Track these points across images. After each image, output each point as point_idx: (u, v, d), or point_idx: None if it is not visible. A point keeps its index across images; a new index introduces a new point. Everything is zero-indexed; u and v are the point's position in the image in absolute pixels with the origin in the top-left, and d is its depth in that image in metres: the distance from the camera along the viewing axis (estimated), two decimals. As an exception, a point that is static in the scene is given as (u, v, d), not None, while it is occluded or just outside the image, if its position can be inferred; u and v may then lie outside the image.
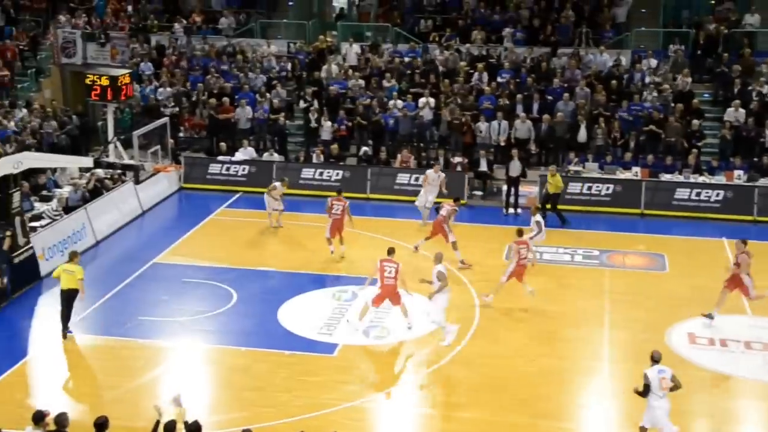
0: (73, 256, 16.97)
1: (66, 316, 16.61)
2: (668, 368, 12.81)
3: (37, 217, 21.03)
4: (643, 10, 30.97)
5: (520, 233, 18.66)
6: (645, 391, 12.70)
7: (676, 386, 12.74)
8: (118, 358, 16.09)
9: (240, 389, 15.00)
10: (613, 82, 27.02)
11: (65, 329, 16.64)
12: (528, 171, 24.46)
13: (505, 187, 24.37)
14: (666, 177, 24.58)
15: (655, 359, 12.82)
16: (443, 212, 20.29)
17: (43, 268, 19.39)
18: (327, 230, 20.42)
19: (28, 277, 18.87)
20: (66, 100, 30.20)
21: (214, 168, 26.13)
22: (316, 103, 27.67)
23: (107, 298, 18.49)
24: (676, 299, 18.63)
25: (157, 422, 11.18)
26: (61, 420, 11.16)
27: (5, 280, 18.06)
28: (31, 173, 21.99)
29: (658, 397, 12.71)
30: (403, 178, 25.23)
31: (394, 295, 16.80)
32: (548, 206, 23.01)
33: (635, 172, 24.74)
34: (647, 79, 27.19)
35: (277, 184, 22.72)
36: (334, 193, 21.27)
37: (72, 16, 31.86)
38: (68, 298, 16.51)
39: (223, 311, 17.95)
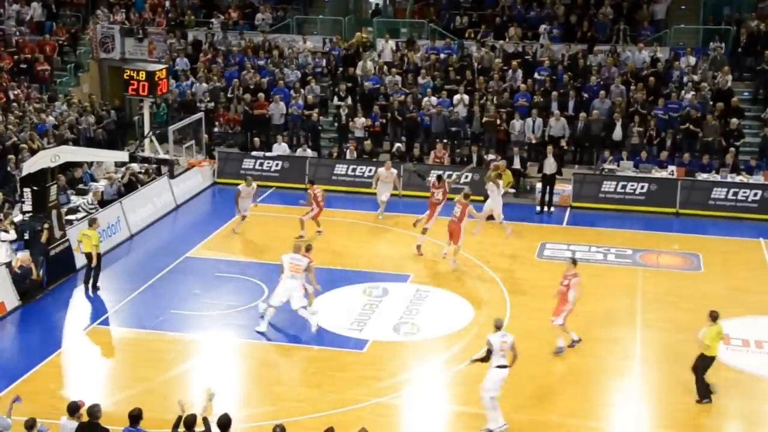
0: (91, 222, 18.56)
1: (88, 276, 18.42)
2: (510, 335, 13.67)
3: (73, 211, 21.29)
4: (683, 7, 30.59)
5: (574, 263, 16.72)
6: (487, 357, 13.51)
7: (515, 356, 13.59)
8: (151, 350, 16.25)
9: (270, 384, 15.09)
10: (651, 79, 26.71)
11: (92, 288, 18.46)
12: (563, 169, 24.26)
13: (539, 185, 24.20)
14: (702, 176, 24.26)
15: (497, 326, 13.68)
16: (456, 212, 19.80)
17: (79, 261, 19.63)
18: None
19: (63, 269, 19.12)
20: (104, 94, 30.59)
21: (247, 163, 26.27)
22: (349, 100, 27.71)
23: (140, 291, 18.68)
24: (711, 300, 18.27)
25: (179, 417, 11.28)
26: (94, 411, 11.29)
27: (41, 272, 18.31)
28: (67, 167, 22.27)
29: (499, 357, 13.56)
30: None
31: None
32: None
33: (671, 171, 24.46)
34: (685, 77, 26.85)
35: (241, 187, 21.82)
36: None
37: (111, 11, 32.21)
38: (89, 260, 18.34)
39: (254, 306, 18.04)
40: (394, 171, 23.27)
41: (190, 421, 11.11)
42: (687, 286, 19.17)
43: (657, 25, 29.59)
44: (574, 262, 16.71)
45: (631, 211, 23.92)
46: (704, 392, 14.30)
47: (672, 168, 24.54)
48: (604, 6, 29.55)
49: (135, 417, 11.26)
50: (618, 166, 24.81)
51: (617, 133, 25.65)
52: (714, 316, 14.20)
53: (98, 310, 18.02)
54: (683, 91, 26.30)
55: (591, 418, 14.18)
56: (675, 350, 16.27)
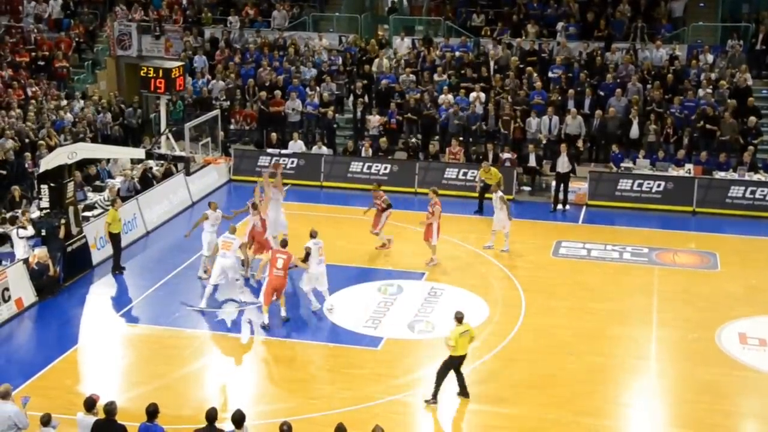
0: (113, 202, 19.60)
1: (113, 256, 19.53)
2: (321, 241, 16.98)
3: (90, 207, 21.42)
4: (701, 5, 30.36)
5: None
6: (306, 258, 16.83)
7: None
8: (166, 347, 16.33)
9: (285, 381, 15.13)
10: (669, 77, 26.56)
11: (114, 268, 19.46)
12: (577, 167, 24.18)
13: (554, 184, 24.13)
14: (720, 175, 24.12)
15: (311, 235, 17.17)
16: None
17: (95, 257, 19.77)
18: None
19: (80, 265, 19.23)
20: (121, 91, 30.73)
21: (263, 161, 26.33)
22: (365, 97, 27.71)
23: (156, 288, 18.76)
24: (728, 299, 18.30)
25: None
26: (111, 409, 11.35)
27: (58, 268, 18.43)
28: (84, 164, 22.40)
29: (317, 264, 16.85)
30: (451, 172, 25.14)
31: (280, 290, 16.95)
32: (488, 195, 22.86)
33: (688, 170, 24.33)
34: (703, 75, 26.69)
35: (207, 212, 19.51)
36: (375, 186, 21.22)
37: (129, 9, 32.36)
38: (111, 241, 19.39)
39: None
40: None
41: (211, 415, 11.20)
42: (703, 285, 19.08)
43: (675, 23, 29.41)
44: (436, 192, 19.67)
45: (647, 210, 23.82)
46: (436, 393, 14.14)
47: (689, 166, 24.41)
48: (622, 4, 29.39)
49: (152, 413, 11.33)
50: (634, 164, 24.71)
51: (634, 131, 25.54)
52: (458, 317, 14.03)
53: (114, 307, 18.13)
54: (700, 89, 26.14)
55: (605, 417, 14.15)
56: (690, 349, 16.22)
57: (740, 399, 14.71)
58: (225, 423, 11.41)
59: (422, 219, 19.93)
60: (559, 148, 23.85)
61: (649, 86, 26.42)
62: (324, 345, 16.36)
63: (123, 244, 20.66)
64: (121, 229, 19.45)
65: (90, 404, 11.50)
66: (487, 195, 22.78)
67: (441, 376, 14.13)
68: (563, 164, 23.47)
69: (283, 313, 17.18)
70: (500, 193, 20.46)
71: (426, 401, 14.14)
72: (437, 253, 19.86)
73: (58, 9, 33.15)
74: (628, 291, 18.78)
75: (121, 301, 18.42)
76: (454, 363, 14.08)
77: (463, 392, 14.32)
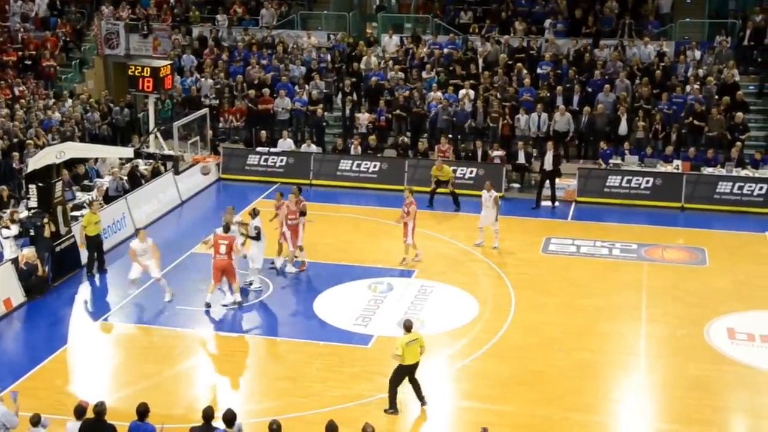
0: (90, 204, 19.89)
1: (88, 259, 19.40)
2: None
3: (79, 207, 21.33)
4: (688, 1, 30.48)
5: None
6: (257, 236, 18.14)
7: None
8: (156, 346, 16.32)
9: (274, 379, 15.12)
10: (657, 73, 26.62)
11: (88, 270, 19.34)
12: (566, 164, 24.23)
13: (539, 180, 24.16)
14: (708, 170, 24.21)
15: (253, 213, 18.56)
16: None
17: (84, 257, 19.68)
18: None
19: (69, 265, 19.16)
20: (109, 91, 30.59)
21: (252, 159, 26.30)
22: (354, 95, 27.71)
23: (146, 287, 18.69)
24: (716, 294, 18.37)
25: None
26: (100, 410, 11.34)
27: (47, 268, 18.36)
28: (73, 163, 22.31)
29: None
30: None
31: (228, 271, 17.38)
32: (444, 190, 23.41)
33: (676, 166, 24.40)
34: (690, 72, 26.78)
35: (132, 243, 18.52)
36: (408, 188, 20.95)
37: (116, 7, 32.23)
38: (97, 244, 19.43)
39: (259, 301, 18.09)
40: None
41: (207, 414, 11.22)
42: (692, 281, 19.16)
43: (662, 20, 29.50)
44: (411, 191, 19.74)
45: (636, 206, 23.89)
46: (392, 402, 13.94)
47: (677, 162, 24.48)
48: (610, 0, 29.46)
49: (142, 412, 11.33)
50: (623, 160, 24.78)
51: (622, 128, 25.61)
52: (407, 326, 13.84)
53: (104, 306, 18.10)
54: (688, 86, 26.23)
55: (595, 413, 14.19)
56: (680, 345, 16.29)
57: (729, 394, 14.77)
58: (217, 422, 11.40)
59: (396, 217, 19.85)
60: (546, 146, 23.90)
61: (637, 83, 26.50)
62: (314, 343, 16.34)
63: (111, 244, 20.63)
64: (99, 231, 19.27)
65: (80, 412, 11.43)
66: (440, 190, 23.48)
67: (393, 385, 13.89)
68: (548, 162, 23.50)
69: (239, 298, 17.62)
70: (494, 193, 20.43)
71: (385, 411, 13.89)
72: (410, 253, 19.75)
73: (45, 8, 32.98)
74: (617, 287, 18.84)
75: (110, 300, 18.37)
76: (404, 372, 13.80)
77: (421, 400, 14.02)
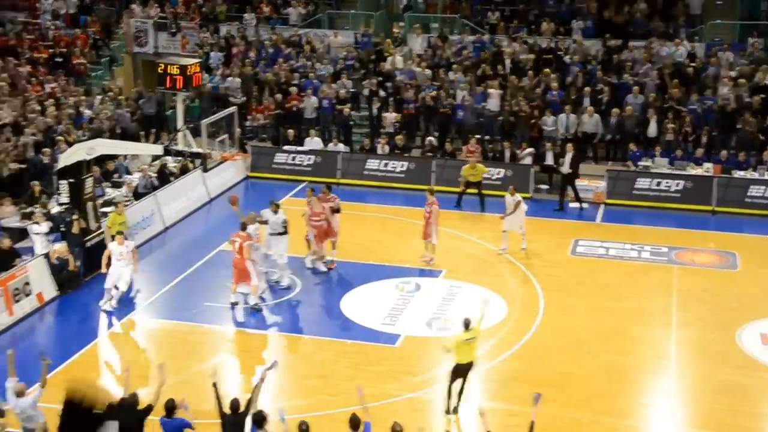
0: (116, 205, 19.73)
1: None
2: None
3: (109, 203, 21.48)
4: (719, 2, 30.25)
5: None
6: (285, 230, 18.19)
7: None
8: (185, 342, 16.39)
9: (303, 377, 15.15)
10: (688, 74, 26.43)
11: None
12: (595, 165, 24.08)
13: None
14: (739, 173, 23.99)
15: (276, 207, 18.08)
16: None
17: (115, 252, 19.83)
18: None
19: (100, 260, 19.20)
20: (135, 88, 30.78)
21: (280, 157, 26.36)
22: (381, 93, 27.72)
23: (175, 284, 18.81)
24: (748, 299, 18.21)
25: (215, 384, 11.56)
26: (133, 400, 11.46)
27: (78, 263, 18.50)
28: (103, 159, 22.47)
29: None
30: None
31: (240, 270, 17.10)
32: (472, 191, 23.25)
33: (707, 168, 24.21)
34: (722, 73, 26.55)
35: (111, 244, 17.86)
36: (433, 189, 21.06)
37: (145, 5, 32.43)
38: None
39: (287, 299, 18.13)
40: None
41: (235, 405, 11.27)
42: (723, 285, 19.00)
43: (693, 21, 29.29)
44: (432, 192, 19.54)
45: (666, 209, 23.70)
46: (449, 404, 13.71)
47: (708, 165, 24.29)
48: (639, 1, 29.29)
49: (170, 408, 11.40)
50: (652, 162, 24.60)
51: (652, 130, 25.44)
52: (465, 323, 13.47)
53: (134, 302, 18.19)
54: (720, 87, 26.01)
55: (625, 417, 14.10)
56: (710, 349, 16.15)
57: (761, 400, 14.64)
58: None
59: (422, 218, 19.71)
60: (565, 148, 23.75)
61: (667, 84, 26.29)
62: (342, 342, 16.37)
63: (141, 240, 20.73)
64: (125, 230, 18.65)
65: (169, 409, 11.56)
66: (469, 191, 23.36)
67: (448, 384, 13.75)
68: (566, 164, 23.34)
69: (251, 301, 17.46)
70: (518, 196, 20.28)
71: (445, 412, 13.75)
72: (429, 249, 19.68)
73: (74, 5, 33.22)
74: (646, 290, 18.71)
75: (140, 296, 18.47)
76: (456, 371, 13.63)
77: (455, 407, 13.77)
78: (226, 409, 11.46)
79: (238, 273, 17.20)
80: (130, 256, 17.55)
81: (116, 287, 17.35)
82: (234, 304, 17.45)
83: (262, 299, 17.73)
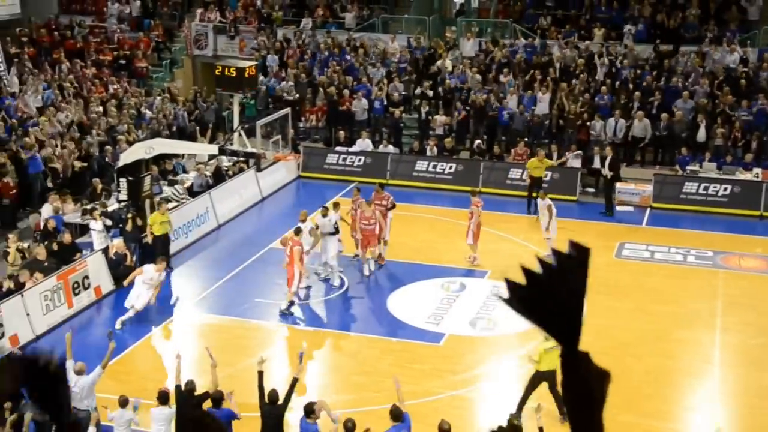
0: (159, 204, 19.64)
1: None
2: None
3: (165, 200, 22.10)
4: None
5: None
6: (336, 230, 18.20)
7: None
8: (234, 336, 16.86)
9: (348, 373, 15.51)
10: (742, 80, 26.24)
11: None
12: (641, 169, 24.05)
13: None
14: (789, 179, 23.80)
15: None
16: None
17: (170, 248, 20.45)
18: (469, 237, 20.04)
19: (155, 256, 19.88)
20: (195, 88, 31.55)
21: (331, 158, 26.82)
22: (431, 94, 28.04)
23: (226, 279, 19.36)
24: (794, 305, 18.13)
25: (260, 372, 11.94)
26: (191, 386, 12.07)
27: (134, 258, 19.16)
28: (162, 158, 23.18)
29: None
30: (515, 172, 25.29)
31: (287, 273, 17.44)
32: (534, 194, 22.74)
33: (756, 174, 24.04)
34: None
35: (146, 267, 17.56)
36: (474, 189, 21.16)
37: (206, 10, 33.21)
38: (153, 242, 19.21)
39: (334, 297, 18.53)
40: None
41: (274, 396, 11.73)
42: (769, 290, 18.93)
43: (747, 26, 29.02)
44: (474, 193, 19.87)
45: (713, 213, 23.59)
46: (520, 408, 13.46)
47: (757, 170, 24.11)
48: (692, 6, 29.14)
49: (217, 400, 11.91)
50: (701, 167, 24.53)
51: (701, 135, 25.33)
52: None
53: (186, 296, 18.78)
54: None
55: (668, 420, 14.18)
56: (754, 354, 16.14)
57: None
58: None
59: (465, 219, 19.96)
60: (604, 152, 23.76)
61: (717, 90, 26.15)
62: (387, 339, 16.70)
63: (195, 237, 21.32)
64: (167, 231, 19.27)
65: (163, 398, 12.16)
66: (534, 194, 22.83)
67: (526, 391, 13.56)
68: (606, 167, 23.39)
69: (282, 306, 17.71)
70: (548, 201, 20.16)
71: (510, 415, 13.28)
72: (473, 249, 19.90)
73: (138, 8, 34.16)
74: (691, 294, 18.72)
75: (192, 291, 19.06)
76: (538, 378, 13.42)
77: (561, 413, 12.95)
78: (265, 399, 11.88)
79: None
80: (157, 284, 17.16)
81: (133, 306, 17.07)
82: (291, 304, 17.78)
83: (292, 303, 17.99)
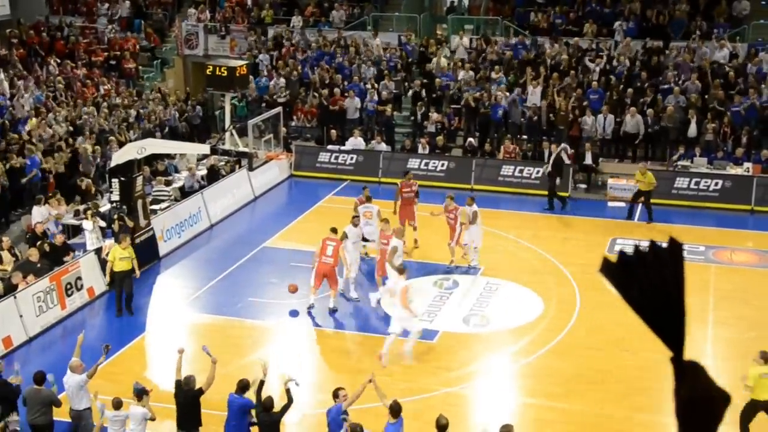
0: (118, 238, 17.70)
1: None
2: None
3: (157, 201, 22.13)
4: (763, 2, 30.02)
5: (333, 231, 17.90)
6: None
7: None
8: (229, 336, 16.84)
9: (342, 371, 15.49)
10: (731, 75, 26.34)
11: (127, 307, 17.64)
12: (633, 165, 24.13)
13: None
14: (781, 173, 23.91)
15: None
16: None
17: (162, 249, 20.45)
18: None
19: (148, 256, 19.84)
20: (188, 89, 31.54)
21: (323, 156, 26.84)
22: (423, 93, 28.08)
23: (219, 279, 19.35)
24: (786, 298, 18.21)
25: (261, 381, 11.99)
26: (190, 381, 12.14)
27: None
28: (154, 158, 23.15)
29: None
30: (507, 169, 25.34)
31: (331, 276, 17.19)
32: (641, 200, 22.56)
33: (747, 168, 24.15)
34: (763, 74, 26.40)
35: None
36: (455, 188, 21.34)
37: (197, 9, 33.16)
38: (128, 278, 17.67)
39: (328, 295, 18.51)
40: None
41: (268, 403, 11.74)
42: (762, 284, 19.01)
43: (736, 22, 29.14)
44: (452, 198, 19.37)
45: (704, 208, 23.70)
46: None
47: (747, 165, 24.23)
48: (681, 2, 29.23)
49: (244, 387, 12.05)
50: (691, 162, 24.62)
51: (692, 130, 25.42)
52: (764, 357, 12.74)
53: (180, 296, 18.77)
54: (763, 87, 25.88)
55: (660, 413, 14.16)
56: (746, 348, 16.15)
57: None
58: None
59: (439, 211, 19.85)
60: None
61: (708, 85, 26.24)
62: (380, 337, 16.69)
63: (188, 236, 21.30)
64: (128, 267, 17.41)
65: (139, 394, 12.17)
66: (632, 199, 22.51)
67: (743, 421, 12.55)
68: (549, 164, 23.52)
69: (332, 304, 17.56)
70: (475, 207, 19.60)
71: None
72: (456, 254, 19.75)
73: (127, 8, 34.09)
74: (683, 289, 18.72)
75: (185, 291, 19.04)
76: (755, 407, 12.54)
77: None
78: (260, 407, 11.89)
79: (326, 277, 17.36)
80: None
81: None
82: (311, 307, 17.59)
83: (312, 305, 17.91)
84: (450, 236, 19.48)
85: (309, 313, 17.53)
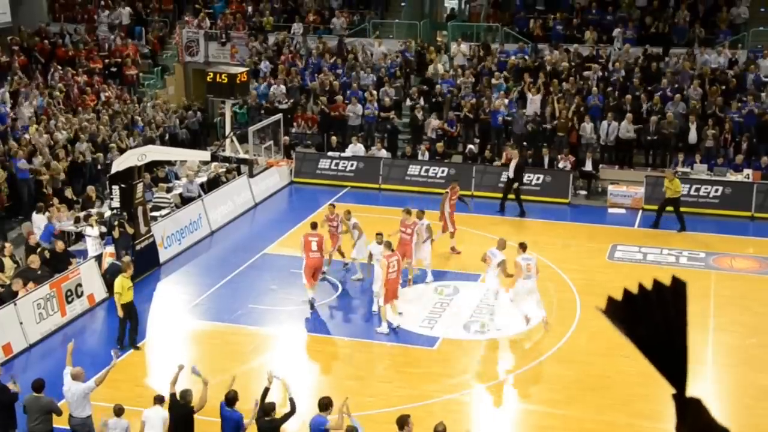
0: (126, 269, 16.45)
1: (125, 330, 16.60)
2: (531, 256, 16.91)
3: (158, 208, 22.14)
4: (762, 9, 30.08)
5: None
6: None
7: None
8: (229, 343, 16.83)
9: (342, 378, 15.49)
10: (733, 81, 26.35)
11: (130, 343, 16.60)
12: (634, 171, 24.12)
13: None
14: (780, 180, 23.91)
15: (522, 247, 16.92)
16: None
17: (163, 256, 20.45)
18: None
19: (148, 263, 19.89)
20: (188, 96, 31.60)
21: (323, 163, 26.85)
22: (422, 101, 28.11)
23: (220, 286, 19.33)
24: (787, 304, 18.20)
25: (266, 389, 11.94)
26: (185, 395, 12.01)
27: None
28: (154, 165, 23.16)
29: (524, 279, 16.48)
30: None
31: (320, 269, 17.74)
32: (669, 208, 22.31)
33: (746, 175, 24.16)
34: (764, 79, 26.44)
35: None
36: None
37: (196, 17, 33.22)
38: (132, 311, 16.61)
39: (327, 302, 18.53)
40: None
41: (268, 409, 11.73)
42: (761, 290, 19.01)
43: (735, 29, 29.19)
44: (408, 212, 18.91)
45: (704, 215, 23.69)
46: None
47: (747, 171, 24.24)
48: (681, 9, 29.28)
49: (231, 399, 12.09)
50: (691, 169, 24.63)
51: (692, 137, 25.43)
52: None
53: (180, 303, 18.75)
54: (763, 94, 25.93)
55: (661, 420, 14.12)
56: (748, 354, 16.19)
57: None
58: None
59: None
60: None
61: (708, 91, 26.26)
62: (381, 344, 16.71)
63: (188, 243, 21.31)
64: (132, 298, 16.53)
65: (159, 401, 12.14)
66: (669, 208, 22.19)
67: None
68: (509, 169, 23.42)
69: (309, 296, 17.78)
70: (426, 222, 19.22)
71: None
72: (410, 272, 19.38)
73: (128, 16, 34.14)
74: (684, 295, 18.71)
75: (186, 298, 19.03)
76: None
77: None
78: (261, 411, 11.89)
79: (317, 271, 17.77)
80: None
81: None
82: (312, 302, 17.92)
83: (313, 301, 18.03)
84: (407, 254, 18.59)
85: (310, 317, 17.63)
